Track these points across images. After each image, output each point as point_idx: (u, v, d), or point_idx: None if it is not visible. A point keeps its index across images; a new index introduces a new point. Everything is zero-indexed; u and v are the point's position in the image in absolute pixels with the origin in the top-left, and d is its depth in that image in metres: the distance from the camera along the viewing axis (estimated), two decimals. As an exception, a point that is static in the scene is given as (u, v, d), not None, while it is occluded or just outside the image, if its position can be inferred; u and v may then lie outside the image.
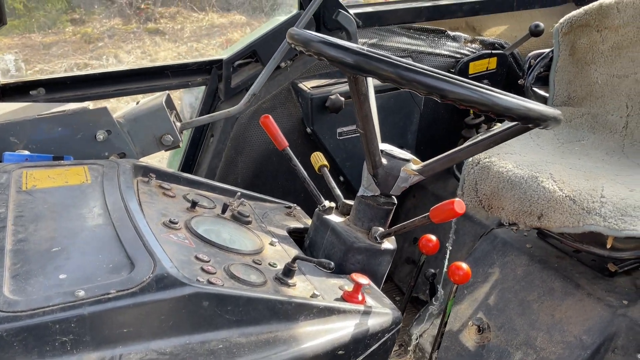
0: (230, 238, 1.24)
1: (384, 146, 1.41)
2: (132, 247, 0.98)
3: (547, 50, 2.12)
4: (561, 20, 2.06)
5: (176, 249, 1.07)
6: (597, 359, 1.64)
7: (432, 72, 1.07)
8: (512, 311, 1.89)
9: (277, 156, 2.20)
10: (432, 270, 1.98)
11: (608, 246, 1.46)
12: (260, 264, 1.16)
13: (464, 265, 1.60)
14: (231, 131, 2.13)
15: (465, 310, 2.03)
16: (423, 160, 1.38)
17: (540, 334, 1.78)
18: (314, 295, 1.11)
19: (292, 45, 1.19)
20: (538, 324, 1.80)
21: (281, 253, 1.28)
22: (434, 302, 2.13)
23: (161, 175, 1.41)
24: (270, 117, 1.49)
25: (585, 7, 2.00)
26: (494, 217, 2.26)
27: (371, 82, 1.49)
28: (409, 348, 2.15)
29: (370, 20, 2.31)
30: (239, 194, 1.47)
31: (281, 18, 2.24)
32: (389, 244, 1.39)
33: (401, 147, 2.47)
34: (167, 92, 1.54)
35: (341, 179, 2.35)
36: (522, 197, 1.65)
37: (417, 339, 2.11)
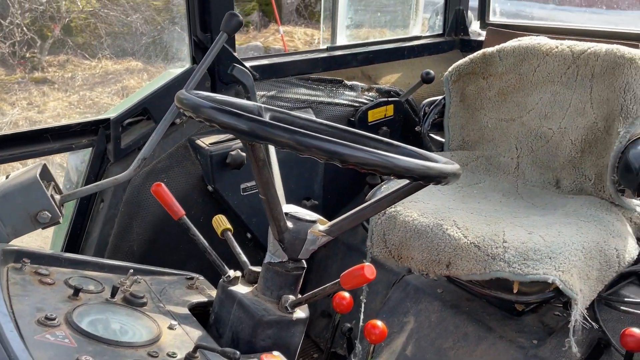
0: (120, 328, 1.09)
1: (288, 208, 1.35)
2: (-7, 362, 0.82)
3: (440, 97, 2.20)
4: (450, 69, 2.15)
5: (52, 353, 0.91)
6: (515, 404, 1.64)
7: (331, 136, 1.03)
8: (429, 361, 1.87)
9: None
10: (349, 325, 1.91)
11: (515, 291, 1.48)
12: (157, 356, 1.03)
13: (379, 324, 1.55)
14: (123, 195, 1.96)
15: (384, 364, 1.98)
16: (331, 212, 1.33)
17: (459, 382, 1.76)
18: (221, 387, 1.00)
19: (181, 110, 1.10)
20: (456, 373, 1.79)
21: (182, 337, 1.15)
22: (353, 359, 2.05)
23: (37, 258, 1.24)
24: (163, 185, 1.37)
25: (471, 56, 2.11)
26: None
27: (272, 147, 1.43)
28: (330, 411, 2.05)
29: (267, 73, 2.27)
30: (131, 271, 1.32)
31: (174, 72, 2.14)
32: (301, 313, 1.31)
33: (308, 198, 2.43)
34: (42, 162, 1.38)
35: (248, 235, 2.24)
36: (430, 246, 1.65)
37: (338, 400, 2.02)
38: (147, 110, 1.97)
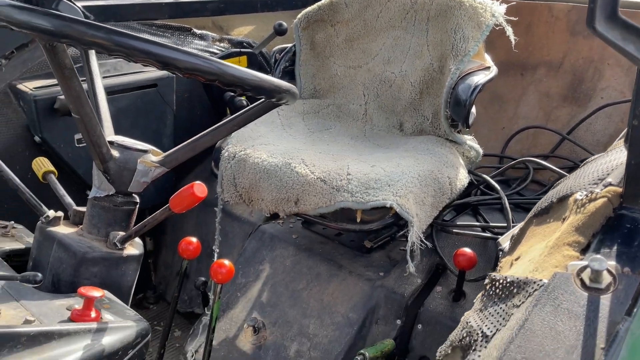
0: None
1: (115, 138, 1.23)
2: None
3: (290, 45, 2.18)
4: (299, 16, 2.13)
5: None
6: (363, 333, 1.70)
7: (153, 41, 0.94)
8: (284, 304, 1.86)
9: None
10: (203, 279, 1.84)
11: (358, 220, 1.51)
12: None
13: (226, 262, 1.50)
14: None
15: (239, 314, 1.94)
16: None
17: (312, 321, 1.78)
18: (26, 322, 0.88)
19: None
20: (309, 312, 1.80)
21: (-14, 281, 1.00)
22: (207, 312, 1.99)
23: None
24: None
25: (319, 3, 2.11)
26: (259, 214, 2.23)
27: (94, 56, 1.29)
28: (185, 367, 1.97)
29: (104, 15, 2.07)
30: None
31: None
32: (133, 250, 1.21)
33: (156, 152, 2.29)
34: None
35: (88, 193, 2.05)
36: (279, 185, 1.63)
37: (193, 356, 1.95)
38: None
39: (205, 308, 1.99)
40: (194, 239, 1.62)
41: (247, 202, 1.75)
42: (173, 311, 1.68)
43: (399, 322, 1.67)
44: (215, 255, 2.01)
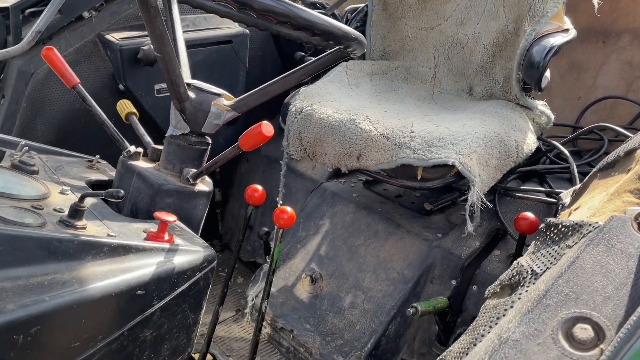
0: (4, 185, 1.04)
1: (192, 81, 1.31)
2: None
3: (363, 5, 2.18)
4: (372, -24, 2.12)
5: None
6: (417, 290, 1.72)
7: None
8: (342, 258, 1.92)
9: (86, 117, 1.96)
10: (266, 229, 1.92)
11: (418, 177, 1.52)
12: (41, 209, 0.99)
13: (288, 209, 1.56)
14: (26, 89, 1.84)
15: (298, 264, 2.02)
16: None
17: (368, 276, 1.82)
18: (109, 236, 0.98)
19: None
20: (365, 267, 1.85)
21: (74, 200, 1.11)
22: (268, 261, 2.08)
23: None
24: (54, 49, 1.29)
25: (393, -37, 2.09)
26: (322, 172, 2.29)
27: (176, 6, 1.37)
28: (245, 311, 2.08)
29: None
30: (22, 142, 1.25)
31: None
32: (203, 186, 1.30)
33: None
34: None
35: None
36: (342, 140, 1.66)
37: (252, 300, 2.05)
38: (49, -5, 1.83)
39: (267, 256, 2.09)
40: (259, 187, 1.69)
41: (311, 156, 1.80)
42: (237, 253, 1.77)
43: (454, 282, 1.68)
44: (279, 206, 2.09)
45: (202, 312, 1.11)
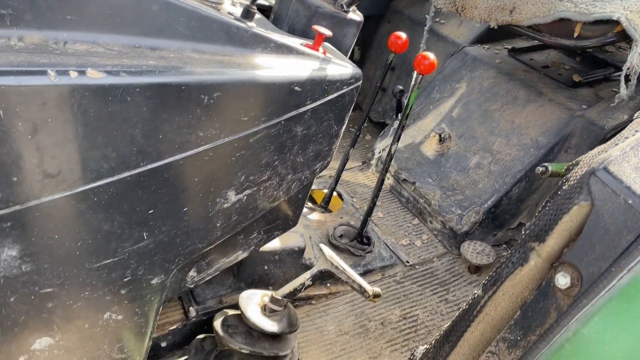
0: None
1: None
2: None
3: None
4: None
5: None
6: (549, 158, 1.70)
7: None
8: (474, 121, 1.92)
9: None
10: (400, 87, 1.96)
11: (575, 34, 1.44)
12: (218, 10, 1.11)
13: (431, 56, 1.57)
14: None
15: (428, 124, 2.06)
16: None
17: (499, 139, 1.82)
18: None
19: None
20: (497, 131, 1.84)
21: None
22: (399, 118, 2.14)
23: None
24: None
25: None
26: (466, 35, 2.22)
27: None
28: (371, 162, 2.20)
29: None
30: None
31: None
32: (355, 15, 1.35)
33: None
34: None
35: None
36: (496, -7, 1.60)
37: (379, 153, 2.16)
38: None
39: (399, 114, 2.15)
40: (403, 35, 1.70)
41: (460, 10, 1.76)
42: (369, 109, 1.84)
43: (590, 154, 1.63)
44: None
45: (344, 128, 1.21)
